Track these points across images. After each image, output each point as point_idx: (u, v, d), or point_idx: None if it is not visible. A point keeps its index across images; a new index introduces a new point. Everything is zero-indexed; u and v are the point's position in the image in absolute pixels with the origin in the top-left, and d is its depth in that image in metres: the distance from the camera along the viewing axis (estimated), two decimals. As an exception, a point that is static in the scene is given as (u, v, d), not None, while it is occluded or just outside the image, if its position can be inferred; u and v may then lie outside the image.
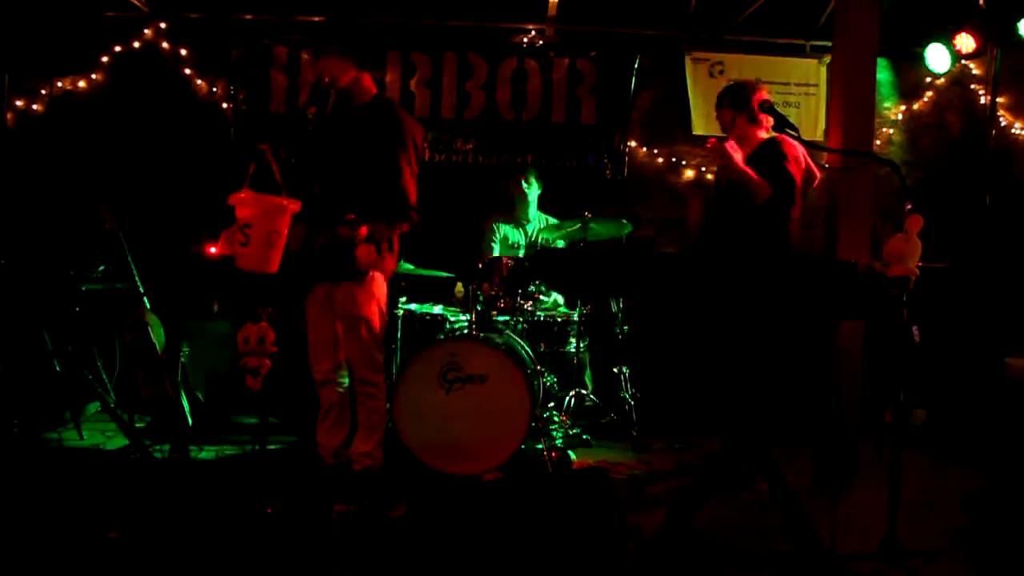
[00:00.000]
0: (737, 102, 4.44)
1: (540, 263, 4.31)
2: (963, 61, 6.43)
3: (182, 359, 5.04)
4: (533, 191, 5.82)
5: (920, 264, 2.94)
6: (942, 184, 6.53)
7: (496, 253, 5.68)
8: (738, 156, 4.20)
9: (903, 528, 3.21)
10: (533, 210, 5.88)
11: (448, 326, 5.16)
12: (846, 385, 4.43)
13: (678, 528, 3.27)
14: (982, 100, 6.57)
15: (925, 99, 6.68)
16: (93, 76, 6.19)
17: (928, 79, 6.62)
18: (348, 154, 3.95)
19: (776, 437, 4.22)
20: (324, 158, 4.06)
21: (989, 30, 6.00)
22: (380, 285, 4.01)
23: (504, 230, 5.84)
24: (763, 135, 4.35)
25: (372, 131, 3.92)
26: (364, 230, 3.75)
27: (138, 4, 6.08)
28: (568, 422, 5.27)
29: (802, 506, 3.28)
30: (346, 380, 4.12)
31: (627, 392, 5.55)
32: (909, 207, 3.07)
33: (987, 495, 4.17)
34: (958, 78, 6.66)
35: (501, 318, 5.07)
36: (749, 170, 4.12)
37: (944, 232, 5.96)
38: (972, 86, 6.67)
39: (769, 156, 4.28)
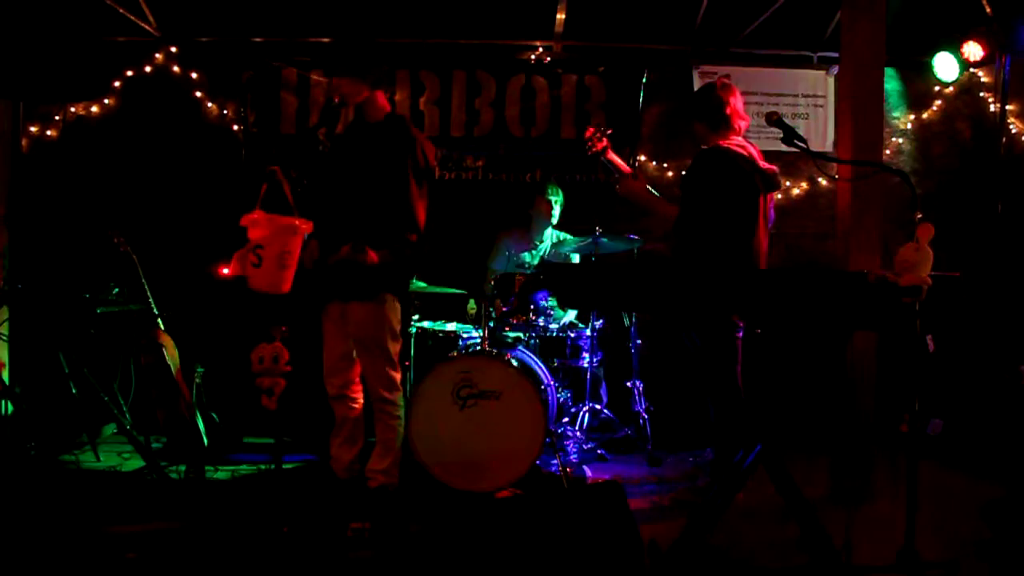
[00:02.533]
0: (698, 111, 4.34)
1: (552, 278, 4.32)
2: (971, 69, 6.44)
3: (196, 380, 5.07)
4: (558, 209, 5.82)
5: (932, 273, 2.94)
6: (953, 193, 6.52)
7: (502, 269, 5.68)
8: (638, 185, 4.34)
9: (921, 539, 3.19)
10: (550, 229, 5.89)
11: (461, 343, 5.17)
12: (861, 396, 4.41)
13: (694, 542, 3.26)
14: (991, 108, 6.56)
15: (934, 108, 6.67)
16: (105, 101, 6.26)
17: (936, 88, 6.62)
18: (360, 173, 3.98)
19: (792, 449, 4.20)
20: (338, 177, 4.08)
21: (997, 38, 6.01)
22: (392, 304, 4.02)
23: (512, 248, 5.84)
24: (723, 142, 4.23)
25: (384, 149, 3.95)
26: (373, 255, 3.77)
27: (149, 29, 6.14)
28: (582, 437, 5.27)
29: (818, 518, 3.26)
30: (359, 396, 4.14)
31: (641, 406, 5.55)
32: (920, 216, 3.07)
33: (1006, 505, 4.14)
34: (967, 86, 6.65)
35: (514, 334, 5.07)
36: (653, 201, 4.32)
37: (956, 241, 5.94)
38: (981, 94, 6.66)
39: (688, 172, 4.32)
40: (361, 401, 4.15)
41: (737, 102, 4.28)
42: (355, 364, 4.10)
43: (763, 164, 4.20)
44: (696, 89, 4.64)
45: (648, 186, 4.43)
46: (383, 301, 3.96)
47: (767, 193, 4.24)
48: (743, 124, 4.30)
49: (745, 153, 4.17)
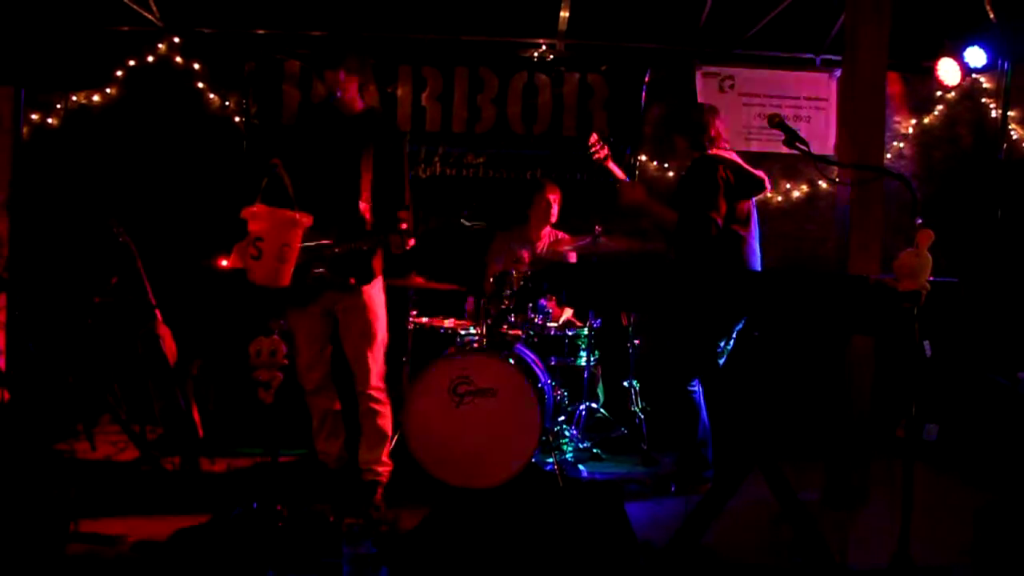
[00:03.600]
0: (682, 127, 4.61)
1: (553, 277, 4.35)
2: (973, 75, 6.45)
3: (193, 371, 5.06)
4: (556, 208, 5.82)
5: (931, 279, 2.94)
6: (953, 198, 6.51)
7: (500, 266, 5.68)
8: (638, 193, 4.54)
9: (915, 543, 3.19)
10: (548, 227, 5.89)
11: (459, 340, 5.16)
12: (857, 400, 4.41)
13: (689, 543, 3.27)
14: (993, 114, 6.56)
15: (936, 113, 6.67)
16: (107, 90, 6.24)
17: (939, 93, 6.62)
18: (347, 163, 3.96)
19: (788, 451, 4.21)
20: (318, 166, 4.03)
21: (999, 44, 6.01)
22: (381, 289, 4.09)
23: (510, 245, 5.83)
24: (712, 151, 4.48)
25: (373, 139, 3.97)
26: (412, 241, 3.79)
27: (152, 19, 6.13)
28: (578, 436, 5.27)
29: (814, 521, 3.27)
30: (334, 388, 4.15)
31: (637, 406, 5.55)
32: (920, 221, 3.07)
33: (1000, 510, 4.15)
34: (969, 92, 6.65)
35: (512, 332, 5.07)
36: (654, 207, 4.50)
37: (956, 246, 5.95)
38: (983, 100, 6.66)
39: (685, 178, 4.56)
40: (336, 393, 4.18)
41: (721, 125, 4.59)
42: (329, 357, 4.13)
43: (751, 169, 4.45)
44: (684, 110, 4.78)
45: (647, 194, 4.54)
46: (378, 287, 4.00)
47: (757, 196, 4.50)
48: (725, 146, 4.57)
49: (730, 158, 4.44)
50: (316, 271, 3.87)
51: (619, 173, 4.61)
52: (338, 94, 3.92)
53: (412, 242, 3.82)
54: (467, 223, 4.09)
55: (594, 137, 4.60)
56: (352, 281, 3.92)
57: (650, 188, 6.13)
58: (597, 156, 4.58)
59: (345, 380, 4.16)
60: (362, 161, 3.95)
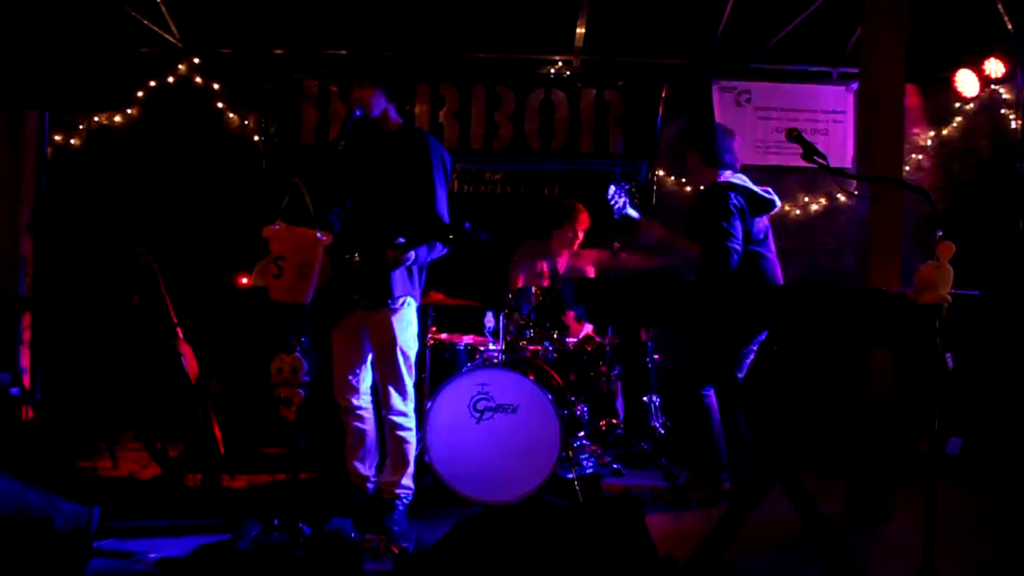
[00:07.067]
0: (695, 142, 4.69)
1: (572, 292, 4.35)
2: (992, 86, 6.42)
3: (215, 388, 5.09)
4: (580, 239, 5.75)
5: (952, 291, 2.92)
6: (973, 210, 6.48)
7: (522, 280, 5.69)
8: (656, 230, 4.71)
9: (939, 560, 3.17)
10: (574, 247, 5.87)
11: (478, 356, 5.17)
12: (879, 413, 4.38)
13: (710, 558, 3.25)
14: (1012, 125, 6.52)
15: (954, 124, 6.64)
16: (129, 111, 6.32)
17: (957, 104, 6.59)
18: (383, 182, 3.97)
19: (809, 466, 4.19)
20: (353, 187, 4.07)
21: (1018, 54, 5.99)
22: (413, 312, 4.04)
23: (531, 260, 5.82)
24: (715, 177, 4.56)
25: (406, 159, 3.96)
26: (411, 254, 3.79)
27: (172, 40, 6.21)
28: (599, 451, 5.26)
29: (836, 536, 3.24)
30: (371, 408, 4.13)
31: (658, 421, 5.53)
32: (940, 234, 3.05)
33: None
34: (987, 103, 6.61)
35: (531, 347, 5.07)
36: (674, 241, 4.65)
37: (977, 259, 5.91)
38: (1002, 111, 6.62)
39: (699, 209, 4.61)
40: (373, 412, 4.15)
41: (735, 146, 4.67)
42: (367, 376, 4.12)
43: (761, 192, 4.51)
44: (698, 127, 4.85)
45: (665, 230, 4.69)
46: (409, 306, 3.97)
47: (768, 214, 4.59)
48: (736, 165, 4.63)
49: (739, 182, 4.50)
50: (338, 290, 3.89)
51: (636, 216, 4.75)
52: (358, 113, 3.94)
53: (405, 258, 3.82)
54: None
55: (612, 190, 4.70)
56: (375, 300, 3.90)
57: (667, 212, 6.21)
58: (616, 206, 4.67)
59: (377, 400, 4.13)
60: (393, 179, 3.97)
